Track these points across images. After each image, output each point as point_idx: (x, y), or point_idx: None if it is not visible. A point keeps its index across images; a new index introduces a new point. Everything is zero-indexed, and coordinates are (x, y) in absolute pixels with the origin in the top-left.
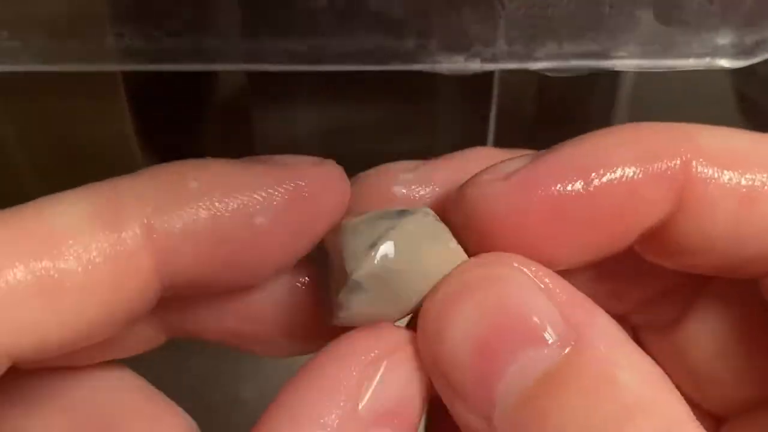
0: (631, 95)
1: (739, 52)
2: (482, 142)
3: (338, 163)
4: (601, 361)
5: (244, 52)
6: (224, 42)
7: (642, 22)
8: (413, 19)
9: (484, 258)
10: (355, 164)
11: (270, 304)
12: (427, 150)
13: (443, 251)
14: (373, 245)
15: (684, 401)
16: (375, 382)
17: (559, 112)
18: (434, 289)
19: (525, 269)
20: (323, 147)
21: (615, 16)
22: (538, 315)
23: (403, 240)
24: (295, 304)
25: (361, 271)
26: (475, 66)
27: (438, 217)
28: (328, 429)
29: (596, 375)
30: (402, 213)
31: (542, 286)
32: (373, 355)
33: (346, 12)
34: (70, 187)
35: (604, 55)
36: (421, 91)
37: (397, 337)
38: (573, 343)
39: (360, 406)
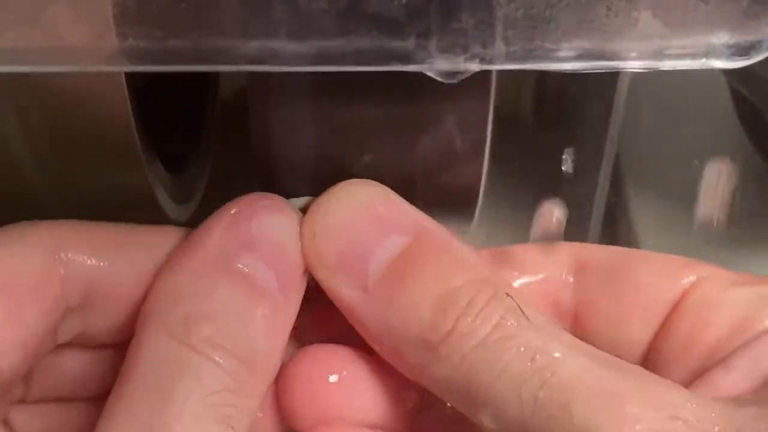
0: (629, 95)
1: (735, 52)
2: (481, 142)
3: (338, 162)
4: (438, 242)
5: (244, 52)
6: (225, 43)
7: (639, 22)
8: (412, 20)
9: (351, 181)
10: (354, 164)
11: None
12: (427, 150)
13: None
14: None
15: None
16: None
17: (558, 113)
18: (316, 201)
19: (380, 186)
20: (323, 147)
21: (612, 17)
22: (392, 217)
23: None
24: None
25: None
26: (474, 66)
27: None
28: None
29: (434, 249)
30: None
31: (392, 195)
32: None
33: (346, 13)
34: (72, 188)
35: (602, 56)
36: (420, 91)
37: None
38: (419, 232)
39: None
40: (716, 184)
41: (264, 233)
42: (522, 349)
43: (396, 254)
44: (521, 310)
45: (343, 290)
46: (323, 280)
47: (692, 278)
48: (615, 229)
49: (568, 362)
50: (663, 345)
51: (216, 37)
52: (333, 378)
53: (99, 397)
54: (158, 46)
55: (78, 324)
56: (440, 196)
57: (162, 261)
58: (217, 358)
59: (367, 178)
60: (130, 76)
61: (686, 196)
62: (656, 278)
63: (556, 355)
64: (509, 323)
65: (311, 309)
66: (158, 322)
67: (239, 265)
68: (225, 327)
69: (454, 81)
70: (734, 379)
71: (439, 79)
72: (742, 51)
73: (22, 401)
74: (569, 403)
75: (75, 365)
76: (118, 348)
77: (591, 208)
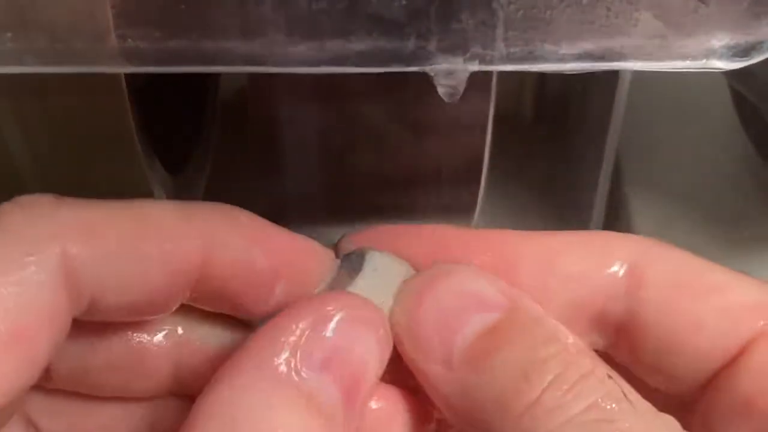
0: (629, 96)
1: (736, 53)
2: (482, 143)
3: (338, 163)
4: (529, 316)
5: (244, 53)
6: (225, 43)
7: (640, 23)
8: (413, 21)
9: (443, 264)
10: (354, 164)
11: None
12: (426, 151)
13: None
14: None
15: (582, 343)
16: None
17: (558, 113)
18: (408, 280)
19: (473, 270)
20: (323, 147)
21: (613, 18)
22: (484, 291)
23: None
24: None
25: None
26: (474, 67)
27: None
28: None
29: (525, 323)
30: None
31: (484, 276)
32: (328, 309)
33: (346, 13)
34: (72, 188)
35: (602, 57)
36: (420, 92)
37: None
38: (509, 307)
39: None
40: None
41: (346, 349)
42: None
43: (485, 329)
44: (624, 394)
45: (428, 367)
46: (407, 358)
47: (761, 324)
48: (615, 230)
49: None
50: (720, 397)
51: (216, 37)
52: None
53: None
54: (158, 46)
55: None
56: (440, 196)
57: (170, 263)
58: None
59: (367, 178)
60: (130, 76)
61: (686, 196)
62: (719, 317)
63: None
64: (608, 407)
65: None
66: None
67: (308, 382)
68: None
69: (454, 100)
70: None
71: (441, 95)
72: (743, 52)
73: (44, 389)
74: None
75: (96, 358)
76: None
77: (591, 208)
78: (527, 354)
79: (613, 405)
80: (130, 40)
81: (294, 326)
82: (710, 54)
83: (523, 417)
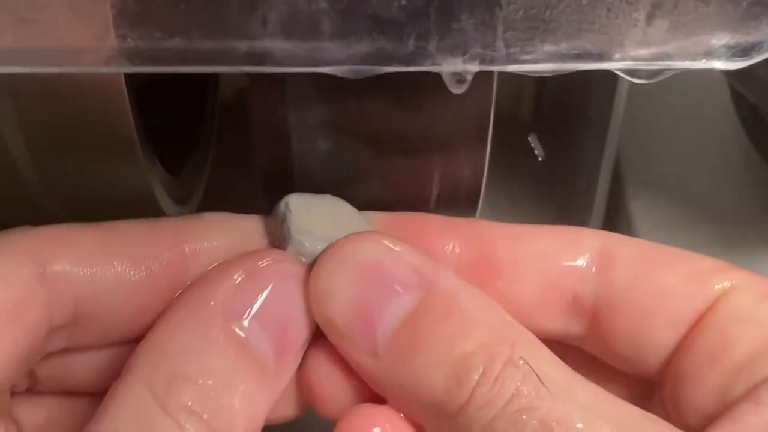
0: (628, 96)
1: (736, 53)
2: (482, 143)
3: (338, 163)
4: (446, 298)
5: (244, 53)
6: (225, 43)
7: (639, 23)
8: (412, 21)
9: (353, 236)
10: (354, 164)
11: None
12: (426, 151)
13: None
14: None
15: (512, 319)
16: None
17: (558, 113)
18: (319, 261)
19: (383, 241)
20: (323, 148)
21: (613, 18)
22: (396, 275)
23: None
24: None
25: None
26: (474, 67)
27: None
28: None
29: (443, 307)
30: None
31: (397, 248)
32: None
33: (346, 14)
34: (71, 188)
35: (602, 57)
36: (420, 92)
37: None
38: (425, 288)
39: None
40: None
41: (270, 300)
42: (540, 421)
43: (403, 317)
44: (538, 378)
45: (354, 355)
46: (334, 343)
47: (725, 285)
48: (615, 230)
49: None
50: (687, 357)
51: (216, 37)
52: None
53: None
54: (158, 46)
55: (66, 337)
56: (441, 196)
57: (152, 272)
58: (189, 428)
59: (368, 178)
60: (130, 77)
61: (686, 196)
62: (686, 281)
63: (579, 426)
64: (526, 392)
65: None
66: (142, 376)
67: (237, 330)
68: (207, 394)
69: (461, 91)
70: (765, 418)
71: (448, 86)
72: (743, 52)
73: (30, 391)
74: None
75: (80, 364)
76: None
77: (591, 208)
78: (451, 349)
79: (530, 390)
80: (130, 40)
81: (226, 277)
82: (710, 54)
83: (458, 417)
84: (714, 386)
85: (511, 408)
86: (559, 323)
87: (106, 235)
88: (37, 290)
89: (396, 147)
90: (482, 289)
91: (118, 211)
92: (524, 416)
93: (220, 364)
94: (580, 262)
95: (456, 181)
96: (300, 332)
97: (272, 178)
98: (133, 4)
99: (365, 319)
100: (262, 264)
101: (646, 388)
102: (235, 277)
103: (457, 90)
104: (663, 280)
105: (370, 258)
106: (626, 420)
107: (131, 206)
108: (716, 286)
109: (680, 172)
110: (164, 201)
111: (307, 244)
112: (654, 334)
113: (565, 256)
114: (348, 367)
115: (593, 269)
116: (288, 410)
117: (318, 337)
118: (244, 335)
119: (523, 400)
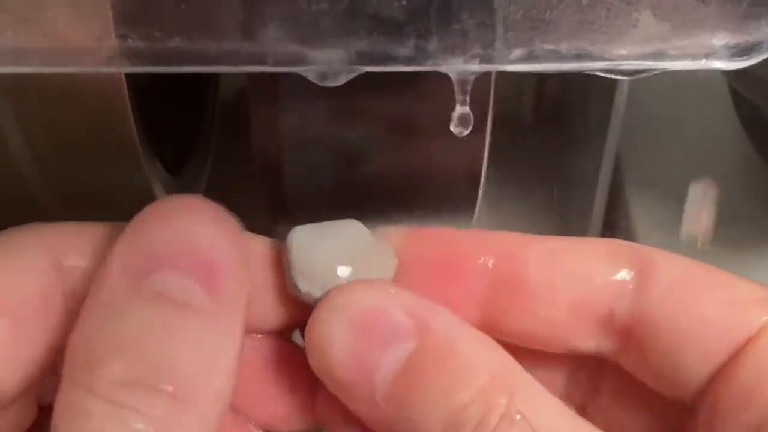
0: (629, 97)
1: (736, 53)
2: (481, 143)
3: (338, 164)
4: (442, 342)
5: (244, 53)
6: (225, 43)
7: (639, 23)
8: (413, 21)
9: (345, 286)
10: (354, 164)
11: None
12: (426, 151)
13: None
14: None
15: (513, 360)
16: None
17: (558, 113)
18: (314, 312)
19: (375, 289)
20: (323, 148)
21: (612, 18)
22: (391, 322)
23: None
24: None
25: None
26: (474, 67)
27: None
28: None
29: (439, 353)
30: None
31: (391, 293)
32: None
33: (346, 14)
34: (72, 188)
35: (602, 57)
36: (420, 92)
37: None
38: (420, 334)
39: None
40: (700, 206)
41: (177, 241)
42: None
43: (400, 366)
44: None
45: (354, 404)
46: (334, 393)
47: (765, 319)
48: (615, 230)
49: None
50: (724, 387)
51: (215, 37)
52: None
53: None
54: (158, 46)
55: None
56: (440, 195)
57: None
58: (130, 402)
59: (367, 177)
60: (130, 76)
61: (686, 196)
62: (725, 310)
63: None
64: None
65: None
66: (66, 374)
67: (148, 285)
68: (140, 360)
69: (469, 85)
70: None
71: (454, 80)
72: (743, 52)
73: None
74: None
75: None
76: None
77: (591, 208)
78: (447, 399)
79: None
80: (130, 40)
81: (118, 244)
82: (710, 54)
83: None
84: (749, 423)
85: None
86: (592, 341)
87: (117, 231)
88: (57, 282)
89: (395, 148)
90: (514, 310)
91: (118, 211)
92: None
93: (142, 327)
94: (618, 278)
95: (453, 173)
96: (226, 254)
97: (272, 178)
98: (133, 4)
99: (362, 370)
100: (158, 206)
101: (681, 414)
102: (133, 225)
103: (461, 85)
104: (701, 307)
105: (364, 307)
106: None
107: (132, 206)
108: (760, 317)
109: (680, 172)
110: None
111: (303, 291)
112: (689, 362)
113: (602, 273)
114: None
115: (631, 286)
116: (301, 424)
117: None
118: (158, 287)
119: None
